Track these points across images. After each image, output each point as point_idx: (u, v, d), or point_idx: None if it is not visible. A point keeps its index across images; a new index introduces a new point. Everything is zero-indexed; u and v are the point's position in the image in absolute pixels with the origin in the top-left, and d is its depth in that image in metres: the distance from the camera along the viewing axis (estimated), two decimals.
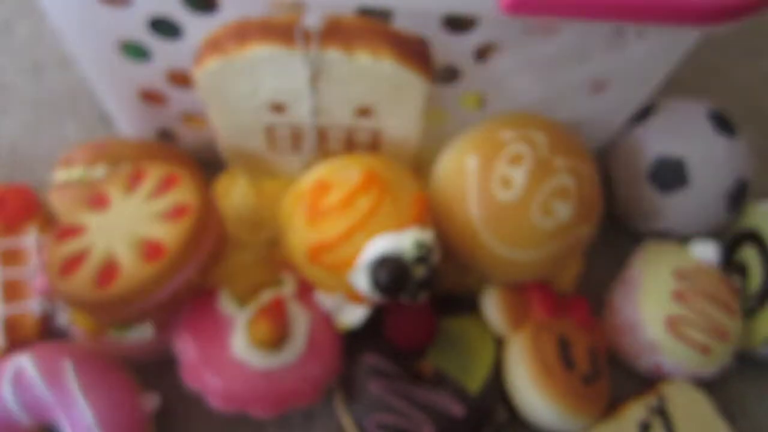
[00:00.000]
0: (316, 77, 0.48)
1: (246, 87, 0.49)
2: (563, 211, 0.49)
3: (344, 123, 0.52)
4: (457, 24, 0.47)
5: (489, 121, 0.52)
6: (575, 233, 0.50)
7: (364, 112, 0.51)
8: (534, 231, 0.48)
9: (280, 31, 0.46)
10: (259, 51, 0.46)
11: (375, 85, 0.48)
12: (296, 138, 0.52)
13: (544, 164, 0.49)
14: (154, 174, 0.50)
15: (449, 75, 0.52)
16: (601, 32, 0.49)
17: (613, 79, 0.54)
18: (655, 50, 0.50)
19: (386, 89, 0.49)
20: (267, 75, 0.48)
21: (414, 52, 0.47)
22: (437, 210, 0.51)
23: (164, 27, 0.48)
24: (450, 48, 0.49)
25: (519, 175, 0.48)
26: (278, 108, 0.51)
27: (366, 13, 0.46)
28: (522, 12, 0.43)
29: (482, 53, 0.50)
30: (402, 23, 0.47)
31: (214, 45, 0.47)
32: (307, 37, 0.46)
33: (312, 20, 0.46)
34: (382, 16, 0.46)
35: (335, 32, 0.46)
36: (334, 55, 0.46)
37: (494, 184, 0.48)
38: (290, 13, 0.46)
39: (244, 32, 0.46)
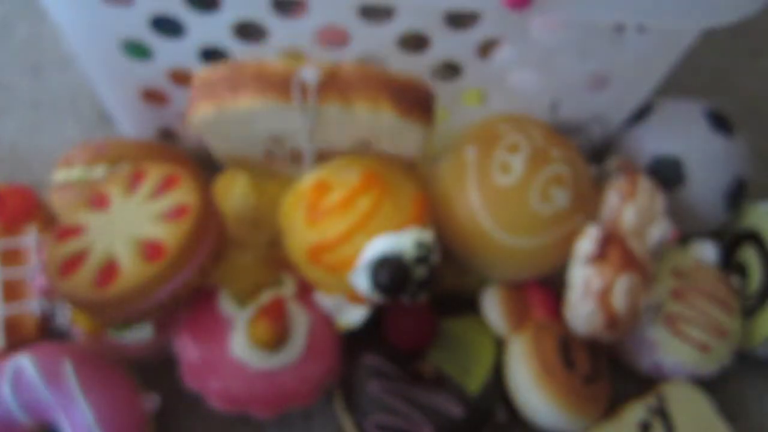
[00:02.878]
0: (313, 128, 0.48)
1: (242, 130, 0.49)
2: (561, 198, 0.50)
3: (344, 149, 0.52)
4: (460, 20, 0.47)
5: (485, 118, 0.54)
6: (573, 222, 0.50)
7: (364, 143, 0.51)
8: (534, 217, 0.49)
9: (276, 83, 0.45)
10: (254, 104, 0.46)
11: (375, 129, 0.48)
12: (296, 156, 0.52)
13: (541, 152, 0.50)
14: (154, 174, 0.50)
15: (451, 72, 0.52)
16: (602, 29, 0.49)
17: (613, 76, 0.54)
18: (655, 47, 0.51)
19: (386, 133, 0.49)
20: (263, 121, 0.48)
21: (415, 101, 0.47)
22: (438, 205, 0.51)
23: (166, 25, 0.48)
24: (452, 44, 0.49)
25: (517, 162, 0.50)
26: (277, 140, 0.51)
27: (368, 10, 0.46)
28: (525, 8, 0.43)
29: (484, 49, 0.50)
30: (404, 20, 0.47)
31: (207, 92, 0.47)
32: (304, 90, 0.45)
33: (309, 74, 0.45)
34: (384, 13, 0.46)
35: (333, 84, 0.46)
36: (332, 108, 0.46)
37: (494, 170, 0.50)
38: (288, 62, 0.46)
39: (238, 83, 0.46)
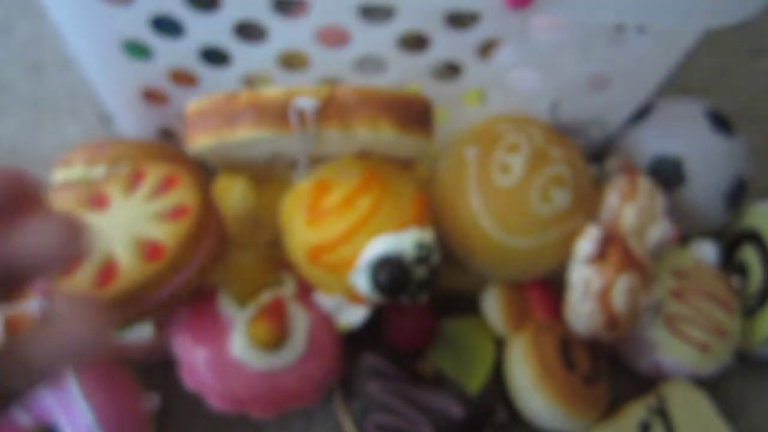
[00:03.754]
0: (312, 151, 0.48)
1: (242, 152, 0.49)
2: (561, 198, 0.50)
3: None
4: (460, 20, 0.47)
5: (485, 118, 0.54)
6: (573, 222, 0.51)
7: (364, 150, 0.51)
8: (534, 217, 0.49)
9: (273, 113, 0.45)
10: (253, 136, 0.45)
11: (375, 143, 0.48)
12: (296, 163, 0.52)
13: (541, 153, 0.50)
14: (154, 174, 0.50)
15: (451, 72, 0.52)
16: (602, 29, 0.49)
17: (614, 76, 0.54)
18: (656, 48, 0.51)
19: (386, 145, 0.49)
20: (264, 145, 0.48)
21: (414, 116, 0.47)
22: (438, 206, 0.51)
23: (166, 25, 0.48)
24: (452, 44, 0.49)
25: (517, 162, 0.50)
26: (277, 155, 0.51)
27: (368, 10, 0.46)
28: (526, 7, 0.43)
29: (484, 50, 0.50)
30: (404, 20, 0.47)
31: (203, 124, 0.46)
32: (302, 118, 0.45)
33: (306, 102, 0.45)
34: (384, 13, 0.46)
35: (331, 110, 0.45)
36: (331, 133, 0.46)
37: (493, 170, 0.50)
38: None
39: (234, 115, 0.45)
